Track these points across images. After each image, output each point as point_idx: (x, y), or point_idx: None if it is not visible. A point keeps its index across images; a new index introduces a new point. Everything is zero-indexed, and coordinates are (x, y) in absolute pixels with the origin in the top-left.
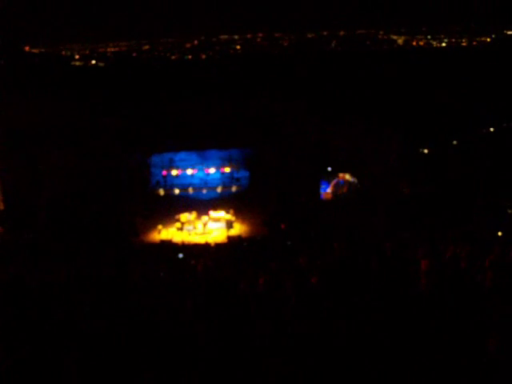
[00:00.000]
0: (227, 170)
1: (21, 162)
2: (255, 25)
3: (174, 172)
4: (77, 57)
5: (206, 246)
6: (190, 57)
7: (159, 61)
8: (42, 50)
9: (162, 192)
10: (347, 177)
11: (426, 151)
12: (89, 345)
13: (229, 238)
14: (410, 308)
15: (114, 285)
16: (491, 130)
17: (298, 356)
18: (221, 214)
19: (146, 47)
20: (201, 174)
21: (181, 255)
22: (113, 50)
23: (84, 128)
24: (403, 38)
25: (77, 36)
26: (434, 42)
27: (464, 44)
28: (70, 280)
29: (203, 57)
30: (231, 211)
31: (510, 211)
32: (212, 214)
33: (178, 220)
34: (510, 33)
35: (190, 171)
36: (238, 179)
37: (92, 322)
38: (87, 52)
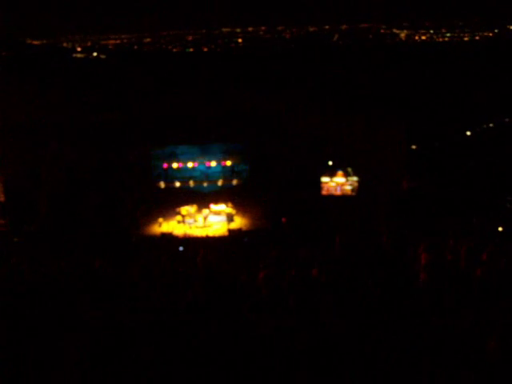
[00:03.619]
0: (228, 163)
1: (21, 153)
2: (257, 18)
3: (175, 165)
4: (78, 49)
5: (207, 239)
6: (191, 49)
7: (161, 53)
8: (44, 42)
9: (162, 185)
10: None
11: (427, 147)
12: (88, 339)
13: (229, 231)
14: (409, 301)
15: (114, 278)
16: (492, 125)
17: (298, 348)
18: (221, 207)
19: (148, 40)
20: (202, 167)
21: (181, 248)
22: (114, 42)
23: (85, 120)
24: (406, 32)
25: (78, 28)
26: (437, 37)
27: (466, 39)
28: (70, 273)
29: (205, 50)
30: (232, 204)
31: (510, 206)
32: (213, 207)
33: (179, 213)
34: None
35: (190, 164)
36: (238, 172)
37: (91, 316)
38: (89, 44)
